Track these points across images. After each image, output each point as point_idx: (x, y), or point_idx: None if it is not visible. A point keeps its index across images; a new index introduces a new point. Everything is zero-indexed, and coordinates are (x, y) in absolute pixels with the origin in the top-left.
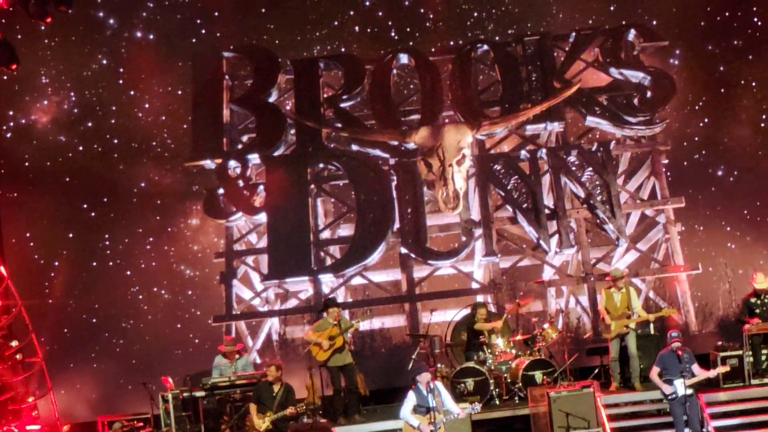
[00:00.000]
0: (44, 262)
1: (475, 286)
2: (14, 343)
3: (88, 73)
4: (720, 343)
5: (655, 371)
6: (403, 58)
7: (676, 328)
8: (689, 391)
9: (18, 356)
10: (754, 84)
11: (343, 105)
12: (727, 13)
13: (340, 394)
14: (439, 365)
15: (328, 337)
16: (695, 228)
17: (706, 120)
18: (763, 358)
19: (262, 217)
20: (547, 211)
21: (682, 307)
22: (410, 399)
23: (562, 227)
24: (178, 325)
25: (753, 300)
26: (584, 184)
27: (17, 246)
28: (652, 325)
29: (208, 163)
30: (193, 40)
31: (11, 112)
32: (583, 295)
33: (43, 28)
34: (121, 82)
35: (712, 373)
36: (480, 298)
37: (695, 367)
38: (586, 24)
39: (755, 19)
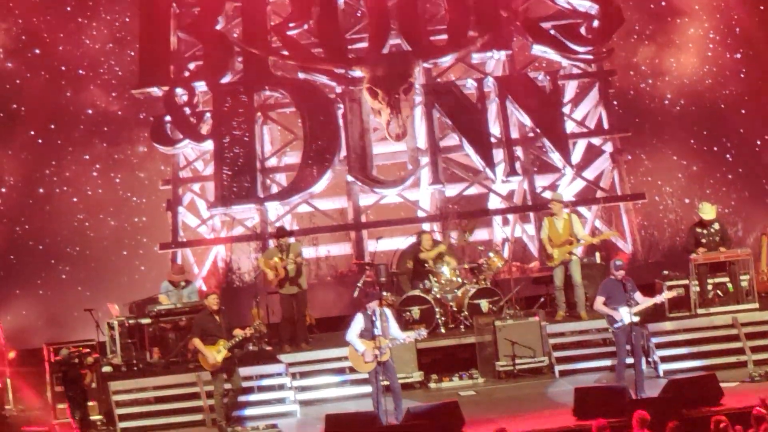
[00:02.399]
0: None
1: (421, 214)
2: None
3: None
4: (665, 272)
5: (599, 300)
6: None
7: (622, 257)
8: (635, 319)
9: None
10: (701, 13)
11: (290, 33)
12: None
13: (288, 322)
14: (385, 293)
15: (277, 266)
16: (641, 157)
17: (653, 49)
18: (709, 287)
19: (209, 145)
20: (493, 139)
21: (628, 237)
22: (357, 323)
23: (508, 156)
24: (124, 252)
25: (699, 230)
26: (531, 111)
27: None
28: (598, 254)
29: (155, 91)
30: None
31: None
32: (529, 224)
33: None
34: (68, 9)
35: (657, 300)
36: (426, 227)
37: (638, 296)
38: None
39: None
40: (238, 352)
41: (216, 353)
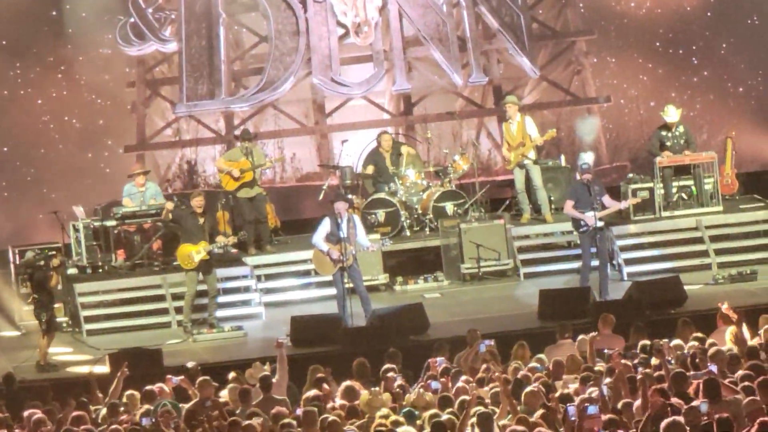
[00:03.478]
0: None
1: (386, 117)
2: None
3: None
4: (631, 175)
5: (568, 204)
6: None
7: (587, 159)
8: (600, 223)
9: None
10: None
11: None
12: None
13: (251, 225)
14: (350, 196)
15: (240, 169)
16: (607, 60)
17: None
18: (674, 190)
19: (174, 47)
20: (458, 42)
21: (595, 140)
22: (324, 226)
23: (473, 58)
24: (89, 155)
25: (664, 132)
26: (497, 15)
27: None
28: (563, 157)
29: None
30: None
31: None
32: (494, 127)
33: None
34: None
35: (622, 205)
36: (391, 130)
37: (606, 199)
38: None
39: None
40: (215, 255)
41: (195, 254)
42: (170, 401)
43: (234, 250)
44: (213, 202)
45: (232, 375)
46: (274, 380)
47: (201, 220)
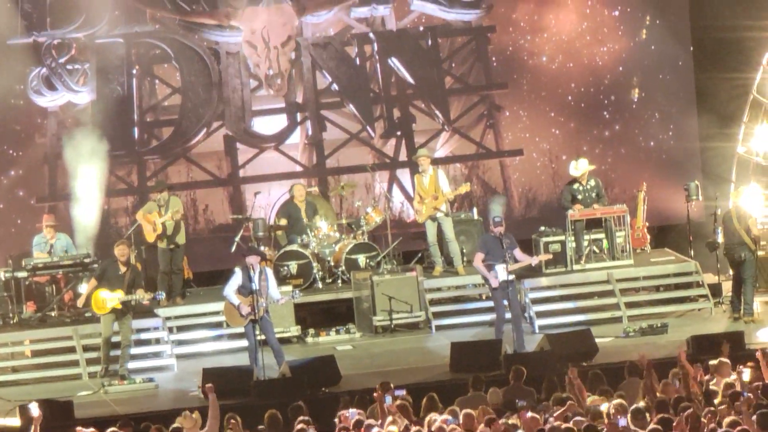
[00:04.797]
0: None
1: (299, 169)
2: None
3: None
4: (543, 228)
5: (478, 257)
6: None
7: (499, 212)
8: (511, 277)
9: None
10: None
11: None
12: None
13: (166, 276)
14: (263, 248)
15: (154, 221)
16: (519, 113)
17: (532, 6)
18: (586, 243)
19: (87, 98)
20: (372, 95)
21: (506, 192)
22: (236, 278)
23: (386, 110)
24: (1, 205)
25: (575, 186)
26: (411, 68)
27: None
28: (475, 210)
29: (31, 41)
30: None
31: None
32: (407, 180)
33: None
34: None
35: (534, 261)
36: (304, 181)
37: (517, 252)
38: None
39: None
40: (130, 306)
41: (109, 300)
42: None
43: (146, 302)
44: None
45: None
46: (204, 430)
47: (122, 270)
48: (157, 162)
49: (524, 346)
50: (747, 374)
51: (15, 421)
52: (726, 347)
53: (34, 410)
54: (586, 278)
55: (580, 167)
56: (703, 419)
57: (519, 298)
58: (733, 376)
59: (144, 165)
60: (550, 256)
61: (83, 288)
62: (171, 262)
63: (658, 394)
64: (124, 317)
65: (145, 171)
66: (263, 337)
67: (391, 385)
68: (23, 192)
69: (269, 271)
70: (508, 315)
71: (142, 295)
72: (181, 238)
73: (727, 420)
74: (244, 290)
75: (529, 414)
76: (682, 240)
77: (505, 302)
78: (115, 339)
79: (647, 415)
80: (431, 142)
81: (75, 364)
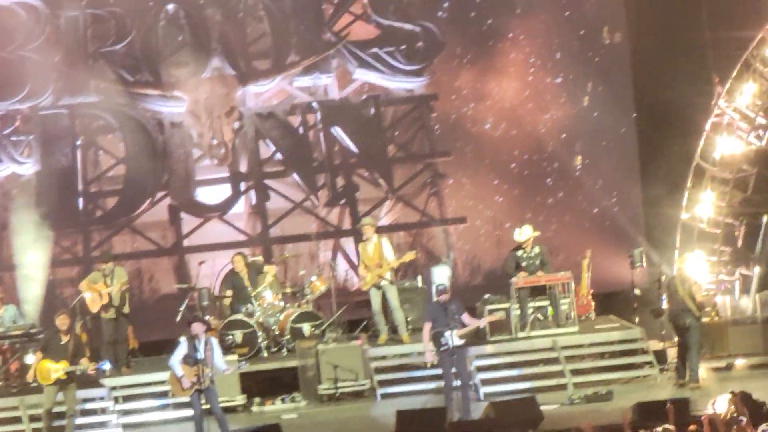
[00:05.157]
0: None
1: (243, 238)
2: None
3: None
4: (487, 295)
5: (427, 327)
6: (171, 8)
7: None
8: (459, 342)
9: None
10: (522, 37)
11: (110, 57)
12: None
13: (110, 346)
14: (207, 317)
15: (100, 291)
16: (463, 181)
17: (474, 73)
18: (530, 311)
19: (32, 169)
20: (315, 164)
21: (449, 260)
22: (181, 349)
23: (330, 180)
24: None
25: (519, 253)
26: (354, 136)
27: None
28: (420, 278)
29: None
30: None
31: None
32: (351, 248)
33: None
34: None
35: (481, 323)
36: (248, 251)
37: (465, 317)
38: None
39: None
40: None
41: (53, 371)
42: None
43: (91, 371)
44: (72, 323)
45: None
46: None
47: (65, 339)
48: (101, 232)
49: (470, 413)
50: None
51: None
52: (671, 413)
53: None
54: (531, 345)
55: (524, 233)
56: None
57: (465, 365)
58: None
59: (89, 236)
60: (498, 317)
61: (30, 358)
62: (116, 331)
63: None
64: (68, 386)
65: (90, 241)
66: (208, 406)
67: None
68: None
69: (214, 341)
70: (456, 382)
71: (86, 365)
72: (125, 308)
73: None
74: (190, 360)
75: None
76: (627, 307)
77: (453, 369)
78: (60, 409)
79: None
80: (375, 210)
81: None
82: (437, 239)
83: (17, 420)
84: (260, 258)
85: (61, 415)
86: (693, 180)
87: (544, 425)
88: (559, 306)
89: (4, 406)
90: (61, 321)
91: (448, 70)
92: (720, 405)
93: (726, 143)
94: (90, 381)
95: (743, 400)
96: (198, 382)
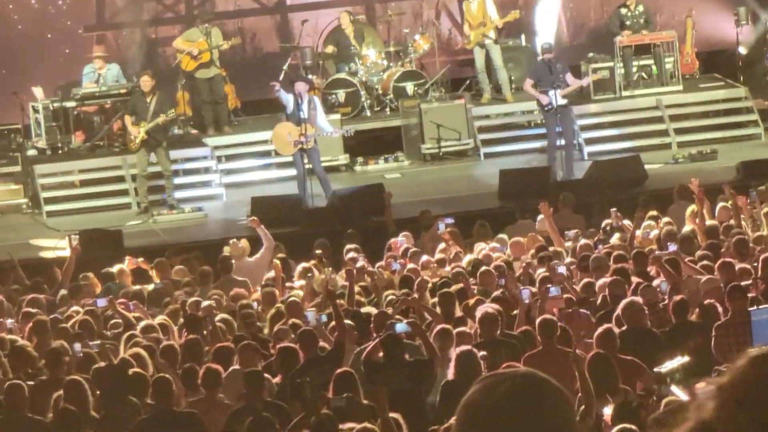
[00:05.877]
0: None
1: None
2: None
3: None
4: (591, 54)
5: (528, 83)
6: None
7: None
8: (563, 102)
9: None
10: None
11: None
12: None
13: (209, 106)
14: (311, 76)
15: (198, 49)
16: None
17: None
18: (634, 69)
19: None
20: None
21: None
22: (287, 102)
23: None
24: (49, 35)
25: (623, 11)
26: None
27: None
28: (523, 37)
29: None
30: None
31: None
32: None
33: None
34: None
35: (584, 82)
36: (351, 9)
37: (568, 77)
38: None
39: None
40: (161, 135)
41: (136, 134)
42: (112, 284)
43: (194, 131)
44: (172, 83)
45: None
46: (258, 254)
47: (148, 99)
48: None
49: (574, 173)
50: None
51: (65, 252)
52: None
53: (72, 242)
54: (635, 104)
55: None
56: (751, 245)
57: (570, 124)
58: None
59: None
60: (602, 76)
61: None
62: (212, 91)
63: (707, 222)
64: (158, 147)
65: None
66: (311, 165)
67: (432, 214)
68: (70, 21)
69: (317, 100)
70: (559, 142)
71: (163, 119)
72: (217, 68)
73: None
74: (293, 118)
75: (582, 241)
76: (732, 65)
77: (558, 129)
78: (155, 169)
79: (695, 241)
80: None
81: (125, 193)
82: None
83: (121, 179)
84: (363, 16)
85: (159, 175)
86: None
87: (648, 184)
88: (664, 64)
89: (107, 165)
90: (144, 82)
91: None
92: None
93: None
94: (192, 141)
95: None
96: (303, 142)
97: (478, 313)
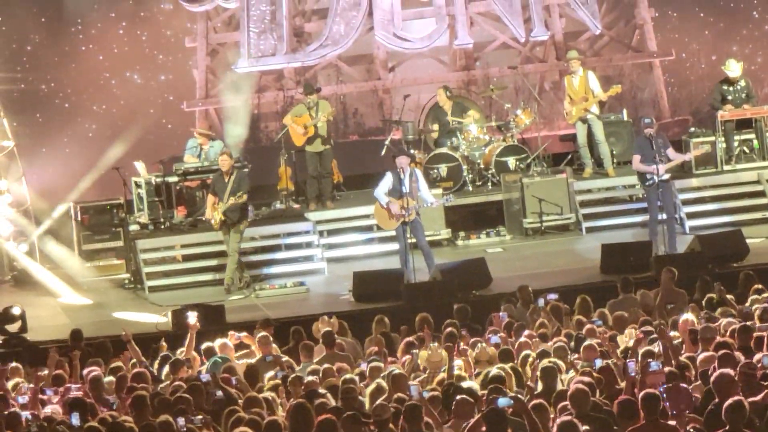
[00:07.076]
0: (16, 47)
1: (447, 72)
2: None
3: None
4: (693, 129)
5: (636, 159)
6: None
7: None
8: (665, 176)
9: None
10: None
11: None
12: None
13: (315, 180)
14: (413, 151)
15: (304, 124)
16: (669, 14)
17: None
18: (736, 144)
19: (236, 3)
20: None
21: (657, 95)
22: (387, 180)
23: (535, 13)
24: (151, 111)
25: (725, 86)
26: None
27: None
28: (625, 111)
29: None
30: None
31: None
32: (557, 82)
33: None
34: None
35: (687, 156)
36: (453, 85)
37: (670, 151)
38: None
39: None
40: (236, 216)
41: (215, 214)
42: (221, 356)
43: (296, 206)
44: (275, 158)
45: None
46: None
47: (226, 179)
48: (305, 67)
49: (676, 247)
50: None
51: (166, 326)
52: None
53: (192, 319)
54: (736, 179)
55: (730, 67)
56: None
57: (671, 199)
58: None
59: (292, 70)
60: (704, 151)
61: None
62: (320, 165)
63: None
64: (234, 227)
65: (295, 75)
66: (413, 239)
67: (530, 290)
68: (173, 97)
69: (419, 173)
70: (661, 216)
71: (234, 200)
72: (329, 141)
73: None
74: (395, 192)
75: (684, 316)
76: None
77: (659, 203)
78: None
79: None
80: (580, 45)
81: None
82: (643, 73)
83: (222, 254)
84: (465, 91)
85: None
86: None
87: (750, 258)
88: (765, 139)
89: (209, 240)
90: (223, 161)
91: None
92: None
93: None
94: (295, 215)
95: None
96: (404, 214)
97: (570, 389)
